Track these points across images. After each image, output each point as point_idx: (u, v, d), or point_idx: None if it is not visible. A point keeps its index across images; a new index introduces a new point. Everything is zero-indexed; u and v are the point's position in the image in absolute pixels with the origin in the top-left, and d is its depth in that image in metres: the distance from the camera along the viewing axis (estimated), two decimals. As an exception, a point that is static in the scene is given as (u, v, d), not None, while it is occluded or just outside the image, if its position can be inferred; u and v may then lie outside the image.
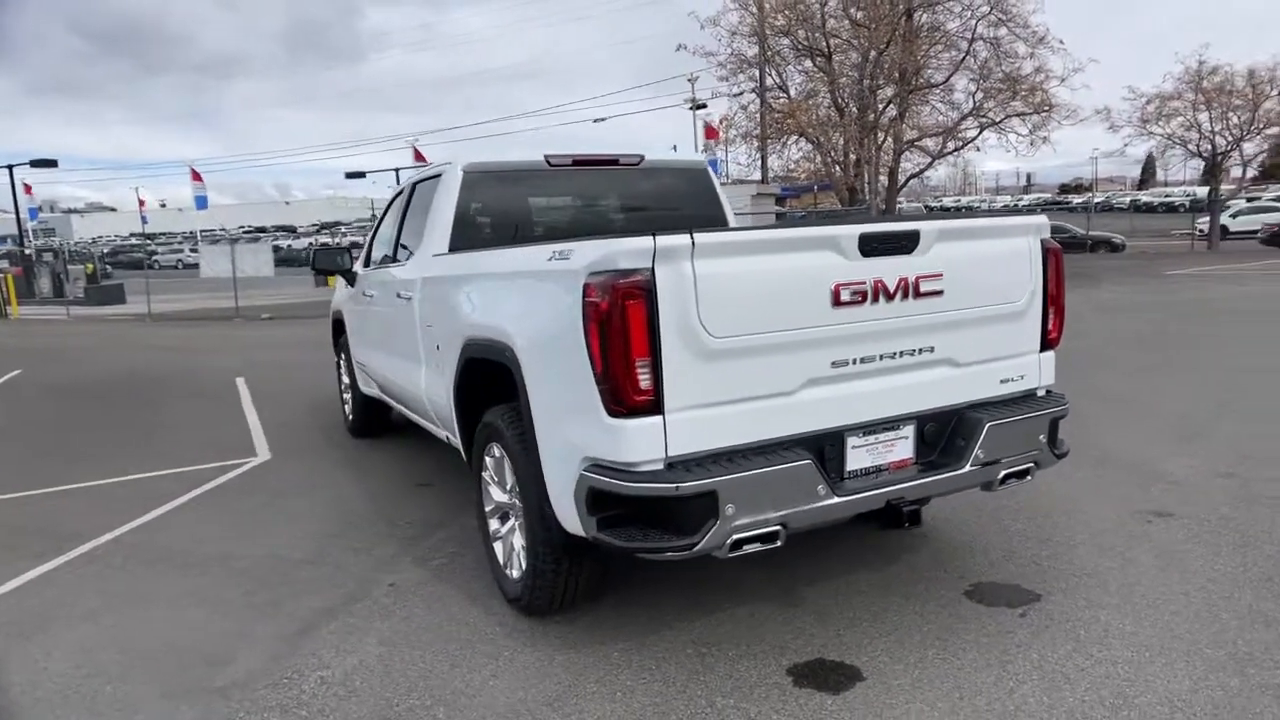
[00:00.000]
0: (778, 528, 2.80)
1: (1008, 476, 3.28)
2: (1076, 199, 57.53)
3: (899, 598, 3.58)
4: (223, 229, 65.35)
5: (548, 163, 4.83)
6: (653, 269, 2.64)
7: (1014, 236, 3.34)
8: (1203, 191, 38.33)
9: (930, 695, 2.86)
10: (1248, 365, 8.32)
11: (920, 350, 3.13)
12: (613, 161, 5.05)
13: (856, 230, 2.92)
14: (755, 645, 3.26)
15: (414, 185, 5.44)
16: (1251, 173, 33.47)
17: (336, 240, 38.50)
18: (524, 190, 4.86)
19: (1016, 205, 56.02)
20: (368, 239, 6.44)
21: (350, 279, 6.42)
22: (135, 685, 3.24)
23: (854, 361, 3.00)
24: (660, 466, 2.73)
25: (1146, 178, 72.64)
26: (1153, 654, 3.04)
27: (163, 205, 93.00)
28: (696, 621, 3.47)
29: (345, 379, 7.30)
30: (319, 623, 3.69)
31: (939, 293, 3.10)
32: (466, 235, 4.58)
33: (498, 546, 3.81)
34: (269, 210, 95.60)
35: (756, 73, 24.26)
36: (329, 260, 6.41)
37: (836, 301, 2.90)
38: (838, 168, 23.37)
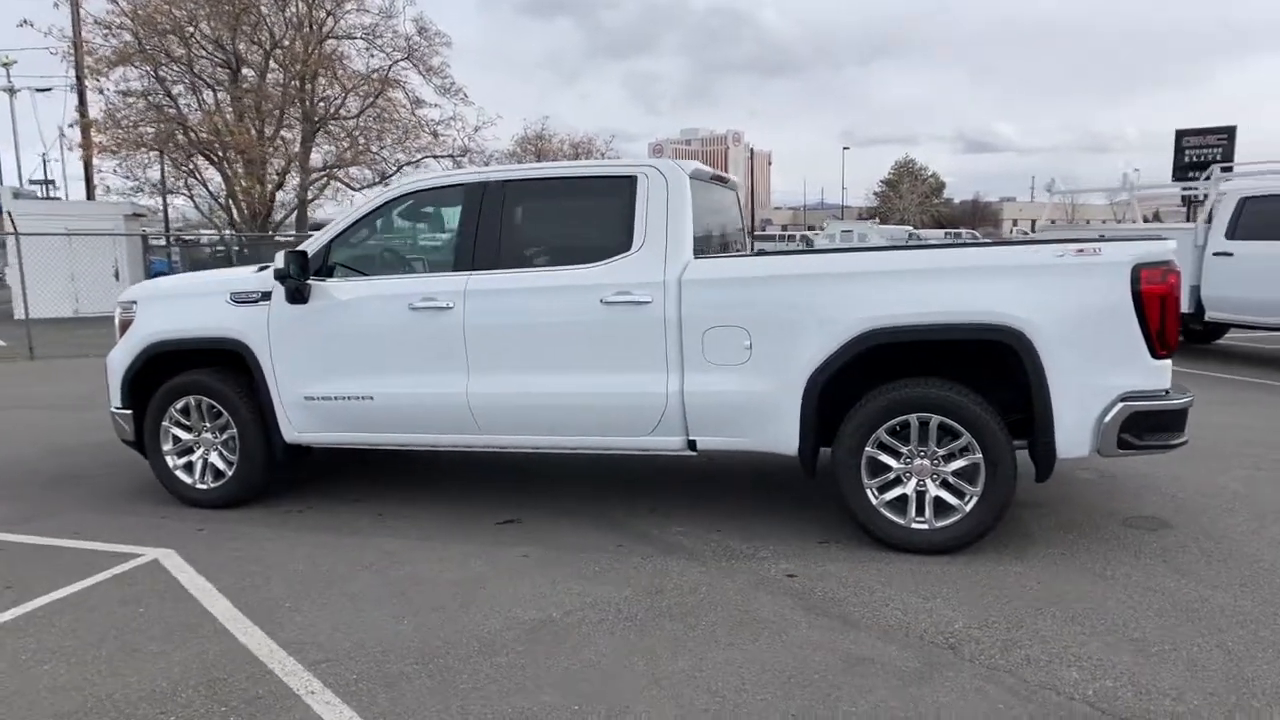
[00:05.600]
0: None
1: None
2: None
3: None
4: None
5: (703, 175, 5.14)
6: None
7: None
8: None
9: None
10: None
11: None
12: (724, 179, 5.59)
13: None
14: (1089, 537, 4.70)
15: (508, 184, 4.91)
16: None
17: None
18: (697, 198, 5.03)
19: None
20: (323, 243, 5.14)
21: (301, 295, 5.04)
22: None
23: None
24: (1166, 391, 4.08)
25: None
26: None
27: None
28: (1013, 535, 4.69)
29: (184, 434, 5.41)
30: (833, 623, 3.72)
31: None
32: None
33: (892, 514, 4.30)
34: None
35: (145, 70, 21.29)
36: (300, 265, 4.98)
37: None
38: (245, 192, 22.00)
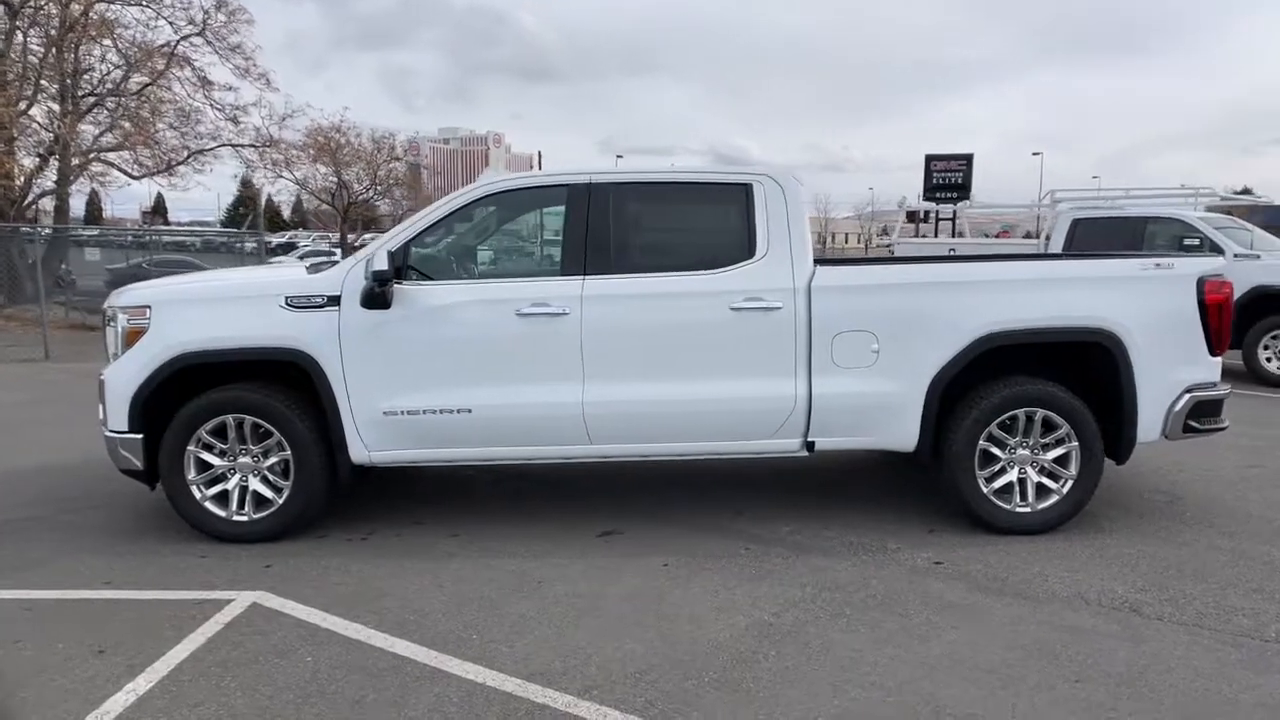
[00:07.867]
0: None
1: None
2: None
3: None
4: None
5: None
6: (1220, 271, 4.81)
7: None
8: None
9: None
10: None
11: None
12: None
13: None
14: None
15: (618, 186, 4.83)
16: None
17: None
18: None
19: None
20: (401, 243, 4.72)
21: (384, 300, 4.63)
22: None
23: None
24: (1215, 383, 4.87)
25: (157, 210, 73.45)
26: None
27: None
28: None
29: (215, 460, 4.78)
30: (1018, 600, 4.09)
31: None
32: None
33: (998, 500, 4.75)
34: None
35: None
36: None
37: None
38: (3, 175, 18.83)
